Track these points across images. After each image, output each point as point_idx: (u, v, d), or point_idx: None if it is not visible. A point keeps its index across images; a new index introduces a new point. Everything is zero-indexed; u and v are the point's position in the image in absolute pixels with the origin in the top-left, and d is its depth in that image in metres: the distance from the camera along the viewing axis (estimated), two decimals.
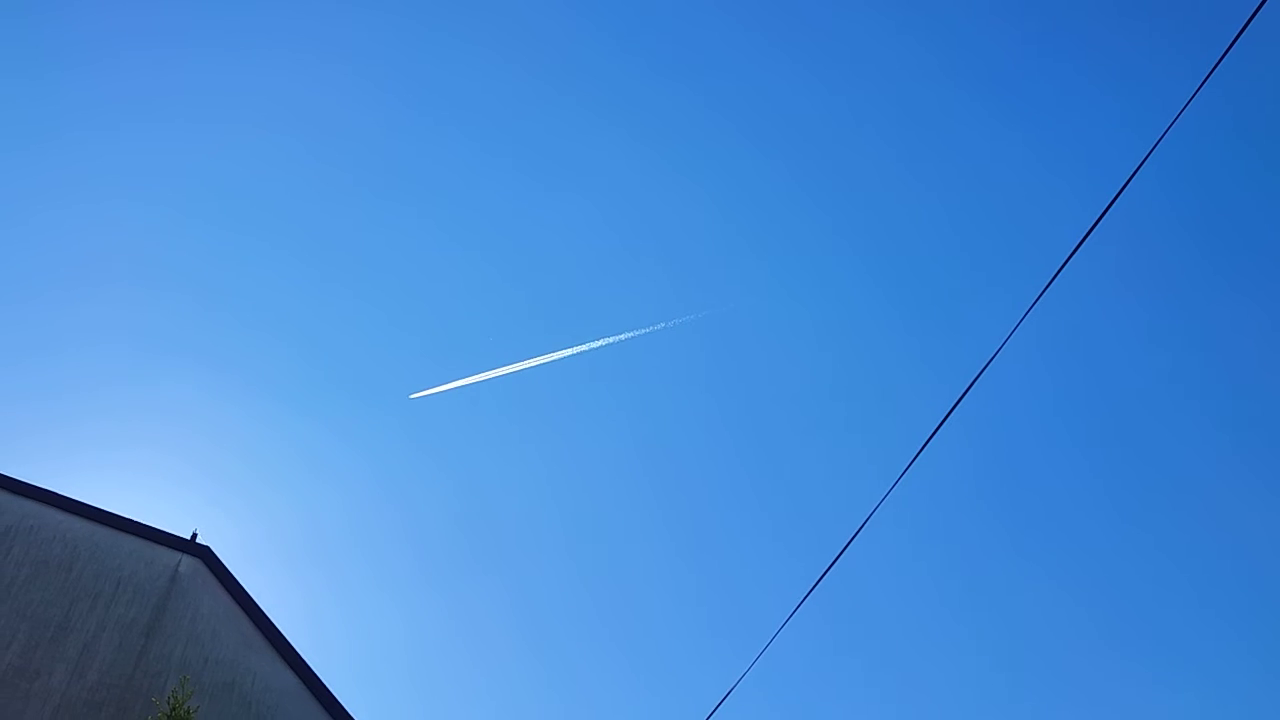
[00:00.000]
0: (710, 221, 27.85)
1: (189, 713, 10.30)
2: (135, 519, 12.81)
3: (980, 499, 27.40)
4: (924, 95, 26.55)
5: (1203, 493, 25.63)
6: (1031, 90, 26.21)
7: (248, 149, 25.64)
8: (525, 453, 28.43)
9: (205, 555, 13.00)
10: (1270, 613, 23.32)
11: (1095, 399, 26.71)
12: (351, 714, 12.90)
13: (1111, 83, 25.16)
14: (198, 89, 25.11)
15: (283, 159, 26.30)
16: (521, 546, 27.77)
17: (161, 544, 12.81)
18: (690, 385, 28.77)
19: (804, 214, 27.99)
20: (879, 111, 27.18)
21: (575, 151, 27.55)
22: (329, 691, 12.84)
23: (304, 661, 12.85)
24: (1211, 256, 25.43)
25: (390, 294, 28.38)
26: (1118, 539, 25.96)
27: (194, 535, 13.10)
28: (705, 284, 27.58)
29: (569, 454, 28.48)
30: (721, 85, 27.58)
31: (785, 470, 28.18)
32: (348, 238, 27.55)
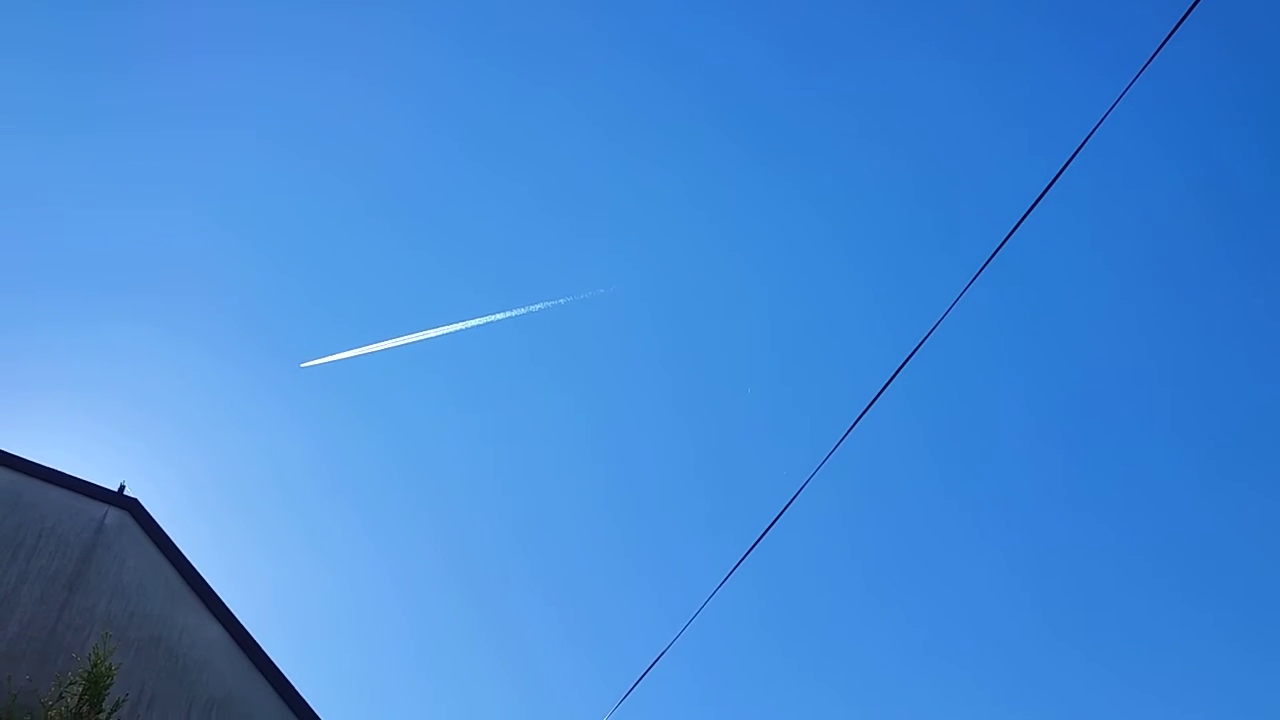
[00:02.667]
0: (653, 183, 27.48)
1: (110, 669, 10.17)
2: (60, 470, 12.54)
3: (925, 473, 27.56)
4: (876, 50, 26.18)
5: (1164, 479, 25.81)
6: (995, 38, 25.80)
7: (191, 121, 24.87)
8: (463, 414, 28.19)
9: (133, 508, 12.79)
10: (1236, 605, 23.64)
11: (1055, 375, 26.80)
12: (280, 668, 12.88)
13: (1078, 33, 24.84)
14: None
15: (262, 143, 25.49)
16: (455, 505, 27.68)
17: (87, 496, 12.57)
18: (633, 350, 28.65)
19: (752, 175, 27.72)
20: (830, 68, 26.80)
21: (511, 114, 26.99)
22: (258, 646, 12.79)
23: (233, 616, 12.76)
24: (1179, 220, 25.35)
25: (326, 253, 27.78)
26: (1070, 517, 26.20)
27: (121, 487, 12.88)
28: (650, 248, 27.30)
29: (507, 416, 28.28)
30: (670, 48, 27.08)
31: (725, 436, 28.20)
32: (282, 196, 26.84)
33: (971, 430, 26.84)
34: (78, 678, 10.08)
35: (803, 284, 27.70)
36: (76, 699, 9.91)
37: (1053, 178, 8.36)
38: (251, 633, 12.75)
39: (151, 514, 12.90)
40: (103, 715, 9.94)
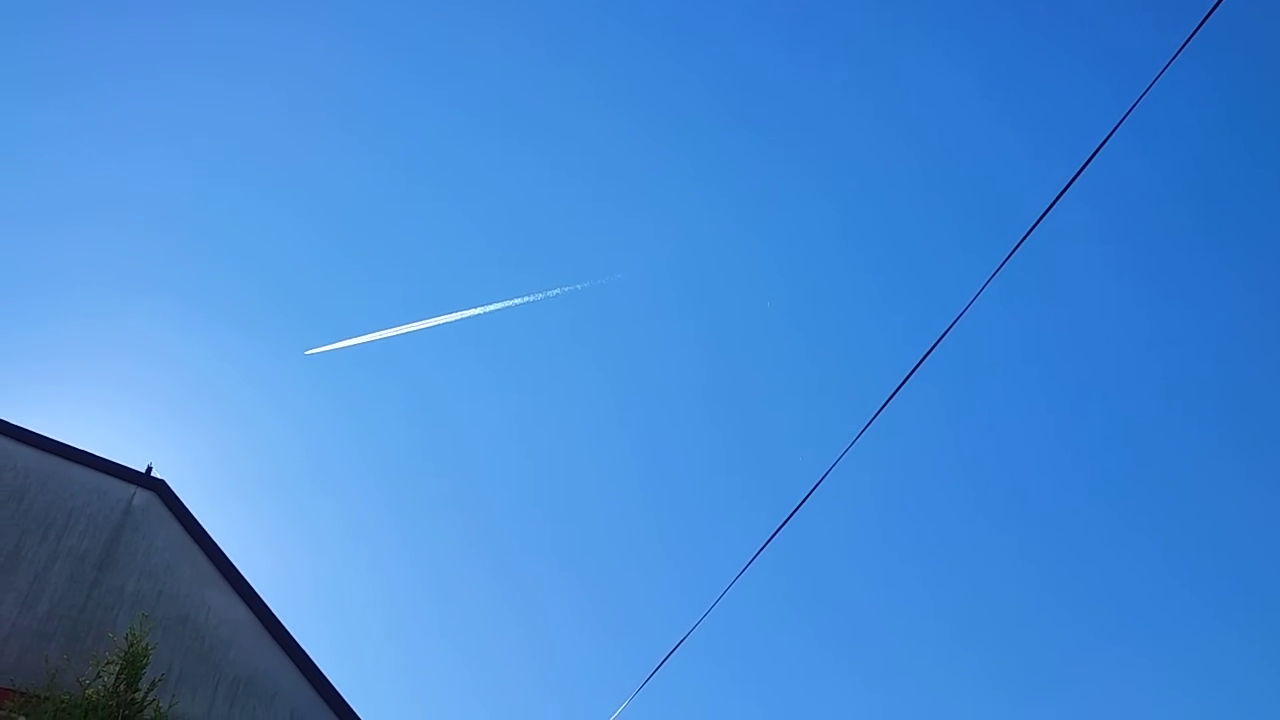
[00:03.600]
0: (674, 171, 27.49)
1: (146, 649, 10.32)
2: (89, 451, 12.66)
3: (947, 461, 27.64)
4: (894, 53, 26.24)
5: (1181, 467, 25.91)
6: (1008, 50, 25.95)
7: (221, 97, 24.79)
8: (495, 394, 28.25)
9: (160, 489, 12.91)
10: (1256, 598, 23.75)
11: (1071, 365, 26.87)
12: (305, 649, 13.04)
13: (1089, 45, 24.98)
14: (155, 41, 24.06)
15: (261, 108, 25.37)
16: (481, 483, 27.77)
17: (115, 476, 12.67)
18: (663, 332, 28.67)
19: (775, 166, 27.66)
20: (852, 63, 26.79)
21: (539, 102, 26.92)
22: (283, 626, 12.93)
23: (259, 596, 12.91)
24: (1189, 222, 25.52)
25: (359, 233, 27.77)
26: (1086, 503, 26.34)
27: (149, 469, 13.00)
28: (677, 232, 27.27)
29: (540, 397, 28.36)
30: (684, 36, 26.99)
31: (751, 421, 28.30)
32: (316, 176, 26.81)
33: (990, 417, 26.98)
34: (115, 657, 10.23)
35: (824, 273, 27.79)
36: (114, 678, 10.08)
37: (1069, 180, 8.50)
38: (280, 613, 12.91)
39: (178, 495, 13.02)
40: (139, 694, 10.11)
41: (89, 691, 9.93)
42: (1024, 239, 8.89)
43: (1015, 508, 26.74)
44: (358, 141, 26.68)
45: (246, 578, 12.97)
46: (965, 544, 26.59)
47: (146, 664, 10.28)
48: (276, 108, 25.42)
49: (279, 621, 12.91)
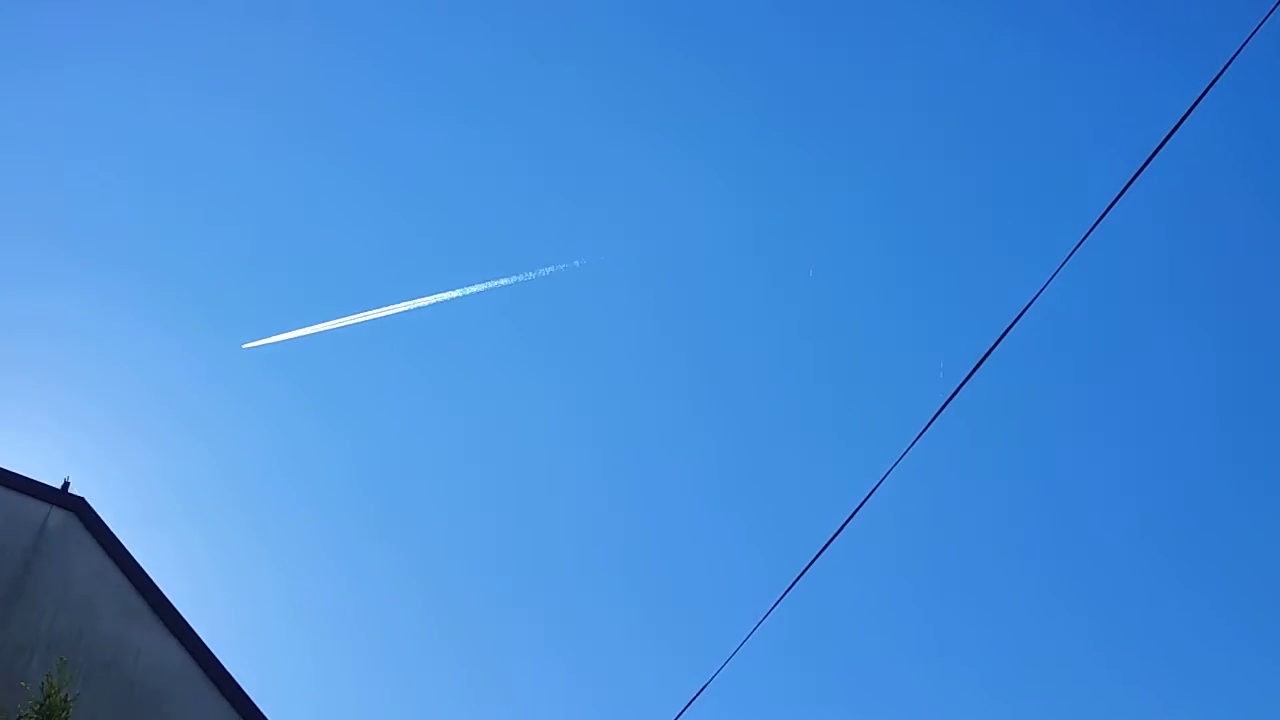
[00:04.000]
0: (640, 147, 25.21)
1: (65, 701, 8.62)
2: None
3: (982, 502, 25.14)
4: (944, 28, 23.98)
5: (1232, 508, 24.31)
6: (1068, 30, 23.92)
7: (133, 83, 22.79)
8: (439, 400, 25.59)
9: (79, 508, 11.37)
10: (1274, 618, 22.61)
11: (1120, 388, 24.83)
12: (249, 694, 11.37)
13: (1155, 32, 23.33)
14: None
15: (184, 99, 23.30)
16: (430, 509, 25.16)
17: (26, 494, 11.14)
18: (634, 327, 26.06)
19: (796, 163, 25.36)
20: (856, 32, 24.65)
21: (483, 69, 24.98)
22: (225, 670, 11.33)
23: (197, 636, 11.35)
24: (1258, 227, 23.68)
25: (280, 230, 25.50)
26: (1141, 553, 24.27)
27: (65, 484, 11.49)
28: (646, 211, 24.80)
29: (486, 403, 25.58)
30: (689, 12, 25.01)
31: (759, 461, 25.41)
32: (229, 167, 24.61)
33: (1043, 442, 24.64)
34: (28, 711, 8.51)
35: (838, 264, 25.31)
36: None
37: (1136, 171, 7.49)
38: (219, 656, 11.33)
39: (100, 515, 11.43)
40: None
41: None
42: (1087, 236, 7.78)
43: (1062, 549, 24.25)
44: (269, 118, 24.23)
45: (183, 614, 11.41)
46: (1009, 582, 24.10)
47: (67, 718, 8.57)
48: (192, 88, 23.22)
49: (222, 666, 11.35)
